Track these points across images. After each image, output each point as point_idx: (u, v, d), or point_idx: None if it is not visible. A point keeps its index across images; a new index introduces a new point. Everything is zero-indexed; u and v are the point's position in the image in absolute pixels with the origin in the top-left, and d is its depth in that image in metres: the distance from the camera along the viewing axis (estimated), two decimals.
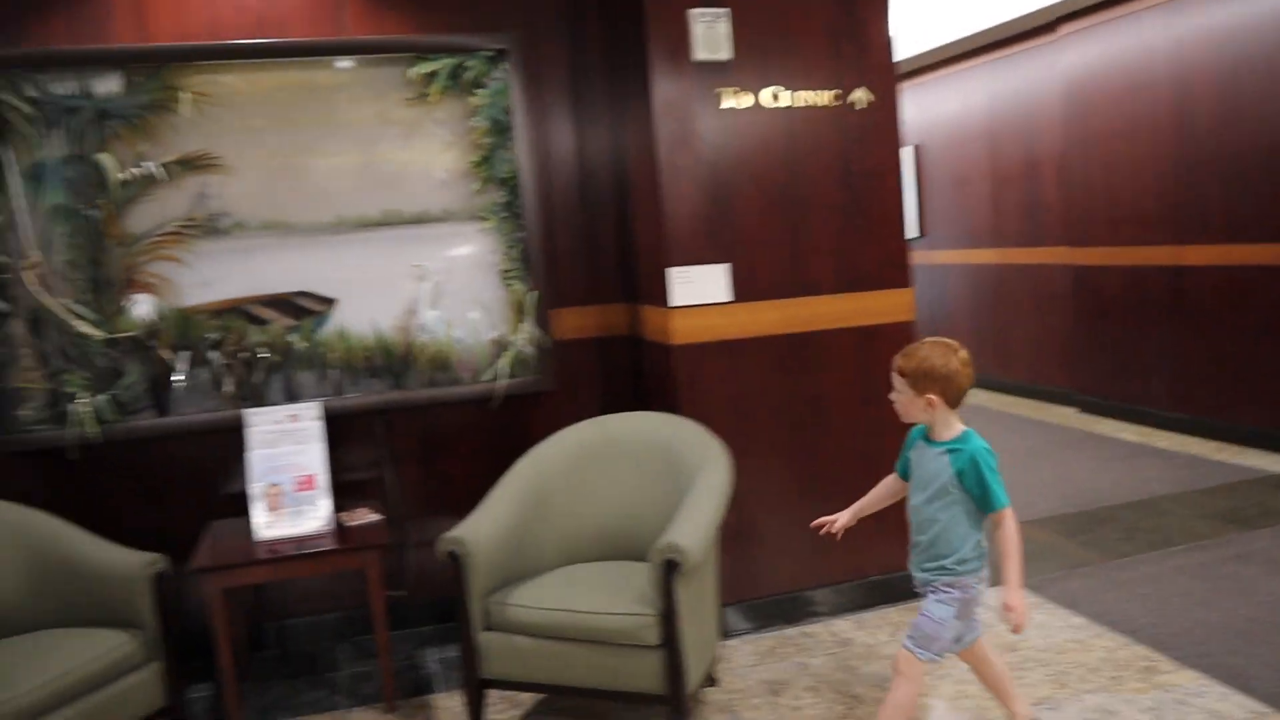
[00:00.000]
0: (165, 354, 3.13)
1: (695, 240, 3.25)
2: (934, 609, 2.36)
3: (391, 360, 3.31)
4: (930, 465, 2.38)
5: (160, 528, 3.23)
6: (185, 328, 3.15)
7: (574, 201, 3.62)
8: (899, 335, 3.39)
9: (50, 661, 2.46)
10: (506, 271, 3.41)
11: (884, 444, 3.30)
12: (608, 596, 2.64)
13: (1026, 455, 5.53)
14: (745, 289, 3.31)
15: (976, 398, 7.15)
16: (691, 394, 3.28)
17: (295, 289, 3.24)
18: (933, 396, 2.35)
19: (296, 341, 3.23)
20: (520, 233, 3.39)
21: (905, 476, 2.51)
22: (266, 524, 2.97)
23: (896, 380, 2.40)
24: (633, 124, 3.41)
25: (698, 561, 2.53)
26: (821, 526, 2.64)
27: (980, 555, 2.38)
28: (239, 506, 3.17)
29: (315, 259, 3.25)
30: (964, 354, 2.37)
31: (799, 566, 3.42)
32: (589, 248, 3.66)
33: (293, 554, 2.86)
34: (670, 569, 2.48)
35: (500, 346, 3.40)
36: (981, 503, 2.33)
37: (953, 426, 2.38)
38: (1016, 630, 2.28)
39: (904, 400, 2.41)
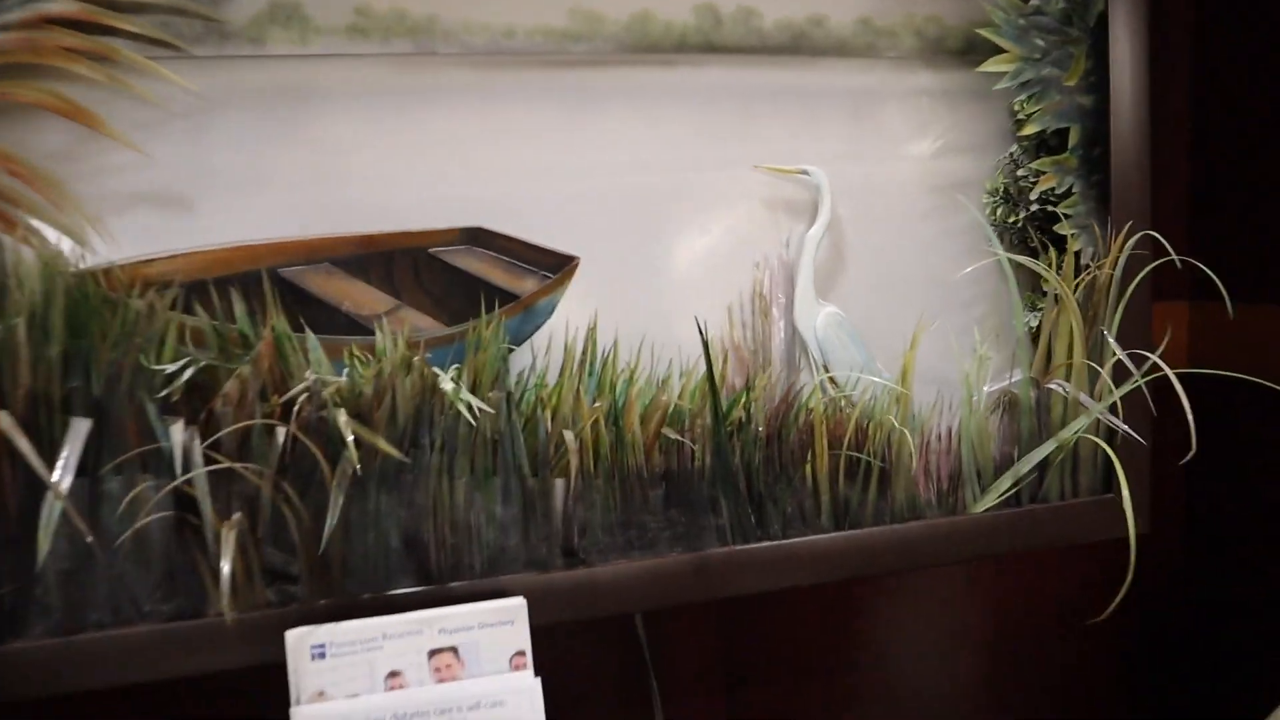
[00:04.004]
0: (17, 437, 0.93)
1: None
2: None
3: (727, 451, 1.09)
4: None
5: None
6: (91, 340, 0.96)
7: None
8: None
9: None
10: (1037, 204, 1.16)
11: None
12: None
13: None
14: None
15: None
16: None
17: (455, 223, 1.04)
18: None
19: (449, 392, 1.02)
20: (1085, 95, 1.15)
21: None
22: None
23: None
24: None
25: None
26: None
27: None
28: None
29: (514, 137, 1.05)
30: None
31: None
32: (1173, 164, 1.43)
33: None
34: None
35: (1027, 408, 1.16)
36: None
37: None
38: None
39: None
